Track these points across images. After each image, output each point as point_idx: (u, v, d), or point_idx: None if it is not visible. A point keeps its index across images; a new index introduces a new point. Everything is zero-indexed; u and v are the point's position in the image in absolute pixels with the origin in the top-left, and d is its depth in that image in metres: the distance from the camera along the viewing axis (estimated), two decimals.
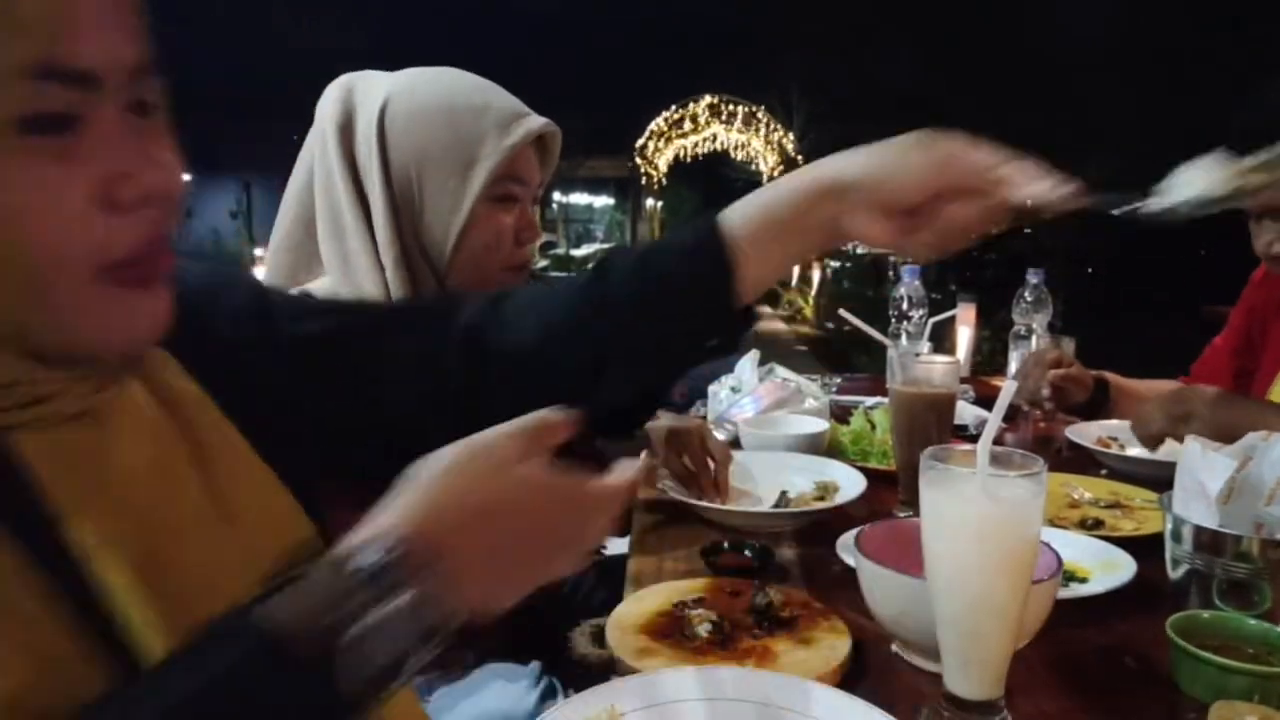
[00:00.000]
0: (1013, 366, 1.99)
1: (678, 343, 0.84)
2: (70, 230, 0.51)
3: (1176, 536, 0.95)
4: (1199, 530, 0.92)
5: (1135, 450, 1.57)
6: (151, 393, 0.64)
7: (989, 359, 5.34)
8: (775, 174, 20.87)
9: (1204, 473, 0.96)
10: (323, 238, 1.22)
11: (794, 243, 0.80)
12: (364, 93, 1.21)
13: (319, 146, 1.22)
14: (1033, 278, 2.04)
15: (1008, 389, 0.76)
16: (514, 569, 0.60)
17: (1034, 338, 1.99)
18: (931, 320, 2.07)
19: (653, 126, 18.93)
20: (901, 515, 1.27)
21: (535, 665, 1.17)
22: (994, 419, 0.73)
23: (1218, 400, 1.39)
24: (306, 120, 1.25)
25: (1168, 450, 1.45)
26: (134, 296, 0.55)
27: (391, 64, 1.27)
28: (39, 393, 0.55)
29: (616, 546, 1.56)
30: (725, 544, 1.16)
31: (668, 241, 0.86)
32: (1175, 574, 0.96)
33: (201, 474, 0.64)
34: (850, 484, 1.35)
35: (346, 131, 1.20)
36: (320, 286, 1.20)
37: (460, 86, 1.19)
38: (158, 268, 0.57)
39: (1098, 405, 1.79)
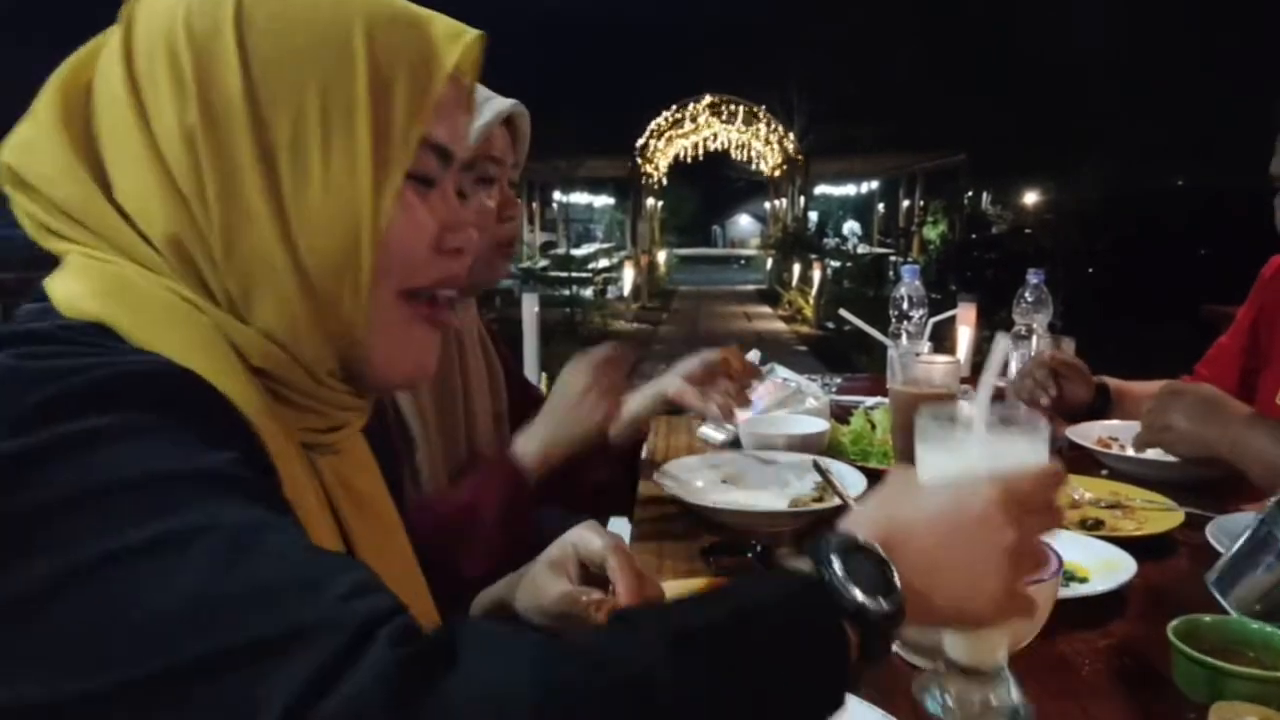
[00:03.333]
0: (1013, 366, 1.99)
1: None
2: (421, 251, 0.65)
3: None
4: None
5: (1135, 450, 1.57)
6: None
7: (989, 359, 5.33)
8: (775, 174, 20.89)
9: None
10: None
11: None
12: None
13: None
14: (1033, 278, 2.04)
15: (1000, 344, 0.76)
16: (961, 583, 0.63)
17: (1034, 338, 1.99)
18: (932, 320, 2.06)
19: (653, 126, 18.92)
20: None
21: None
22: (988, 376, 0.73)
23: (1194, 410, 1.38)
24: None
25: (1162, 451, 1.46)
26: (422, 331, 0.67)
27: None
28: (337, 421, 0.67)
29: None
30: (725, 544, 1.16)
31: None
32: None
33: (390, 514, 0.77)
34: (850, 484, 1.35)
35: None
36: None
37: None
38: (444, 313, 0.69)
39: (1099, 411, 1.77)
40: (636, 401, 1.39)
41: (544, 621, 0.85)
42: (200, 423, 0.52)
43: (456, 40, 0.65)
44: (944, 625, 0.65)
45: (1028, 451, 0.70)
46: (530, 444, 1.22)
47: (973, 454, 0.71)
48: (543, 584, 0.86)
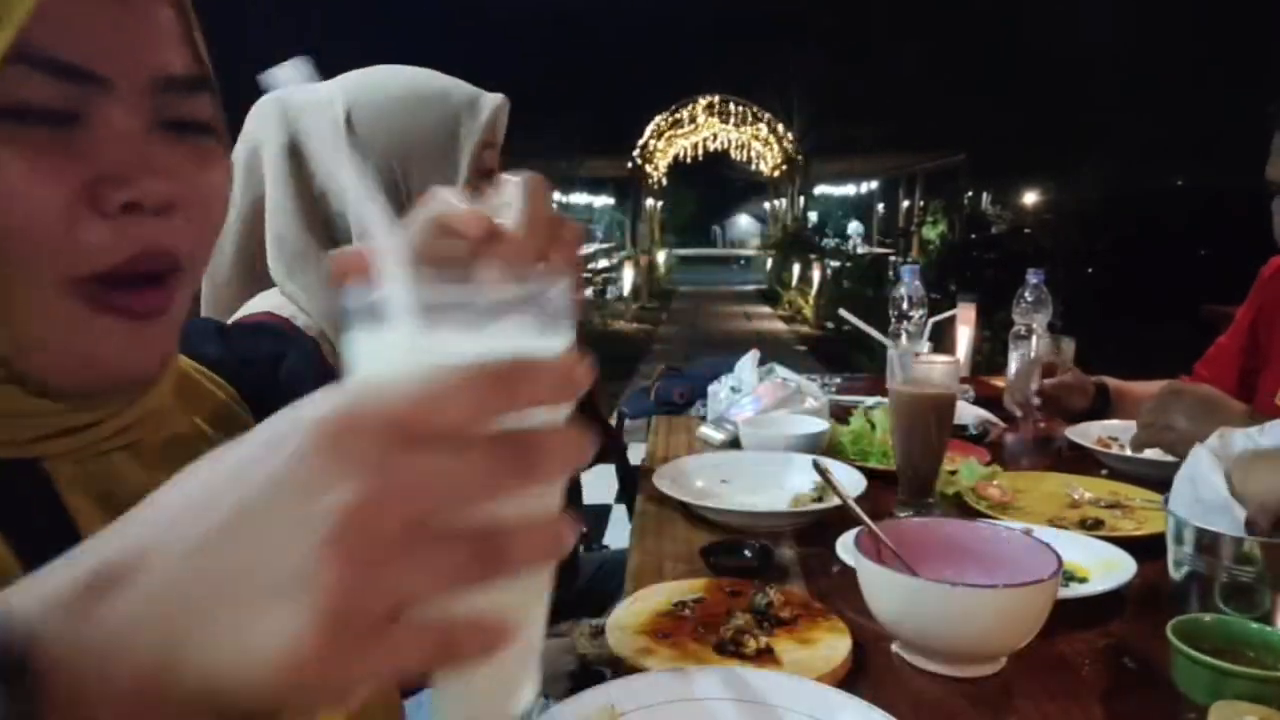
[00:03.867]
0: (1012, 366, 1.99)
1: None
2: (38, 223, 0.48)
3: (1178, 538, 0.95)
4: (1201, 533, 0.92)
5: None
6: (210, 444, 0.61)
7: (989, 359, 5.33)
8: (775, 174, 20.89)
9: (1209, 477, 0.96)
10: (274, 261, 1.18)
11: None
12: (305, 107, 1.19)
13: (264, 172, 1.19)
14: (1033, 278, 2.04)
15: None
16: None
17: (1034, 338, 1.99)
18: (931, 320, 2.07)
19: (652, 126, 18.94)
20: (901, 515, 1.27)
21: None
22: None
23: (1195, 410, 1.38)
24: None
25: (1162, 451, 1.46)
26: (121, 324, 0.52)
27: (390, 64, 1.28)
28: (69, 423, 0.54)
29: (617, 546, 1.56)
30: (725, 544, 1.16)
31: None
32: (1177, 575, 0.96)
33: None
34: (850, 484, 1.35)
35: (295, 154, 1.18)
36: (269, 304, 1.17)
37: (418, 75, 1.24)
38: (153, 297, 0.53)
39: (1098, 412, 1.78)
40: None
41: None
42: None
43: None
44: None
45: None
46: None
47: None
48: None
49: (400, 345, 0.33)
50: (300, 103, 1.22)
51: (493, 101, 1.23)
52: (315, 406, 0.30)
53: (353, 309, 0.34)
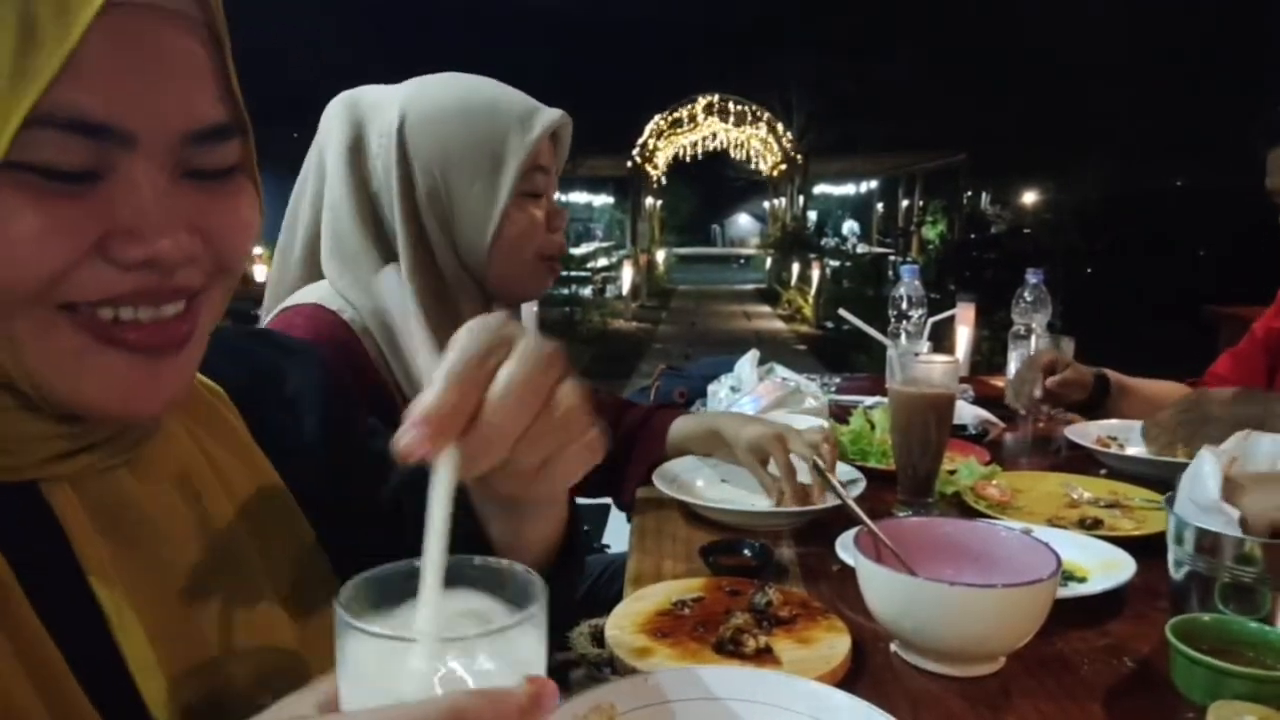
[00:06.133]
0: (1012, 366, 1.99)
1: None
2: (45, 272, 0.48)
3: (1179, 539, 0.95)
4: (1201, 533, 0.92)
5: (1135, 450, 1.57)
6: (203, 451, 0.64)
7: (988, 359, 5.33)
8: (775, 173, 20.88)
9: (1205, 479, 0.95)
10: (327, 256, 1.23)
11: None
12: (372, 107, 1.23)
13: (327, 168, 1.23)
14: (1032, 278, 2.04)
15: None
16: None
17: (1033, 337, 1.99)
18: (931, 320, 2.07)
19: (652, 125, 18.93)
20: (901, 515, 1.27)
21: None
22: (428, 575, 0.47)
23: (1235, 398, 1.38)
24: (302, 124, 1.27)
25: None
26: (128, 359, 0.53)
27: (390, 65, 1.28)
28: (72, 446, 0.55)
29: (617, 546, 1.56)
30: (725, 544, 1.16)
31: None
32: (1177, 575, 0.96)
33: (232, 542, 0.63)
34: (850, 484, 1.35)
35: (356, 151, 1.21)
36: (317, 296, 1.22)
37: (473, 87, 1.21)
38: (168, 330, 0.54)
39: (1097, 402, 1.78)
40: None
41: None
42: None
43: None
44: None
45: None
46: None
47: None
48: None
49: (419, 673, 0.42)
50: (365, 105, 1.24)
51: (545, 120, 1.19)
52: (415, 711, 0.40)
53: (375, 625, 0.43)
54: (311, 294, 1.23)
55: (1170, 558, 0.96)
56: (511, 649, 0.44)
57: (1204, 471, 0.94)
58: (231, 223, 0.56)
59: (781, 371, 1.91)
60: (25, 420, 0.53)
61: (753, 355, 1.91)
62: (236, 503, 0.64)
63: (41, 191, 0.47)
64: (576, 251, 19.11)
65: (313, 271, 1.27)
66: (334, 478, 0.73)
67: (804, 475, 1.31)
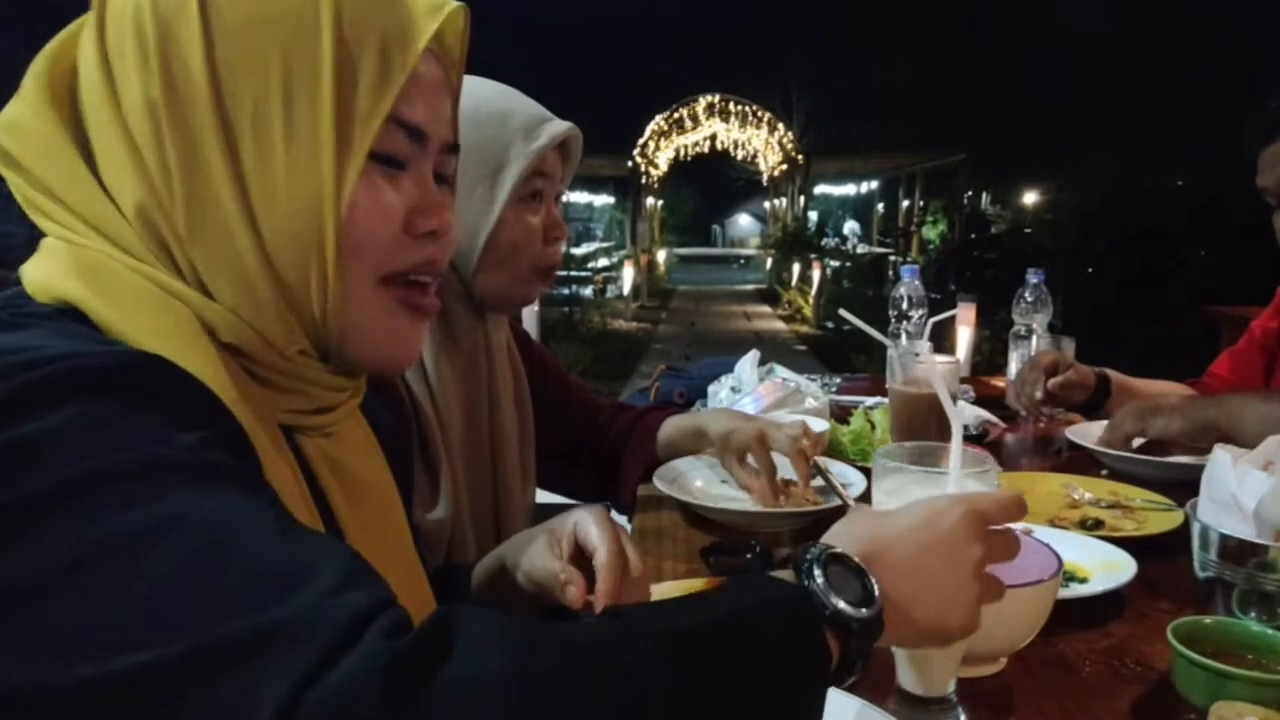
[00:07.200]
0: (1012, 367, 1.99)
1: None
2: (385, 230, 0.63)
3: (1204, 544, 0.95)
4: (1225, 539, 0.92)
5: (1135, 450, 1.57)
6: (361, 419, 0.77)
7: (989, 359, 5.34)
8: (775, 173, 20.88)
9: (1234, 483, 0.95)
10: None
11: None
12: None
13: None
14: (1033, 278, 2.04)
15: (956, 415, 0.80)
16: (929, 611, 0.63)
17: (1034, 338, 1.99)
18: (931, 320, 2.06)
19: (653, 125, 18.92)
20: None
21: None
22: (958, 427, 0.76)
23: (1188, 397, 1.40)
24: None
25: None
26: (404, 318, 0.66)
27: None
28: (325, 402, 0.67)
29: None
30: (725, 544, 1.16)
31: None
32: (1202, 574, 0.96)
33: (388, 498, 0.77)
34: (850, 484, 1.35)
35: None
36: None
37: (482, 92, 1.19)
38: (426, 299, 0.68)
39: (1098, 402, 1.78)
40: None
41: (525, 584, 0.88)
42: (169, 409, 0.50)
43: (435, 13, 0.63)
44: (919, 637, 0.65)
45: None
46: None
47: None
48: (535, 551, 0.88)
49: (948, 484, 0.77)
50: None
51: (552, 131, 1.18)
52: (956, 501, 0.65)
53: (890, 455, 0.82)
54: None
55: (1195, 560, 0.96)
56: (990, 486, 0.78)
57: (1219, 470, 0.95)
58: (450, 219, 0.69)
59: (782, 372, 1.91)
60: (321, 369, 0.65)
61: (753, 356, 1.91)
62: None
63: (386, 174, 0.63)
64: (576, 251, 19.14)
65: None
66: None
67: (787, 472, 1.31)
